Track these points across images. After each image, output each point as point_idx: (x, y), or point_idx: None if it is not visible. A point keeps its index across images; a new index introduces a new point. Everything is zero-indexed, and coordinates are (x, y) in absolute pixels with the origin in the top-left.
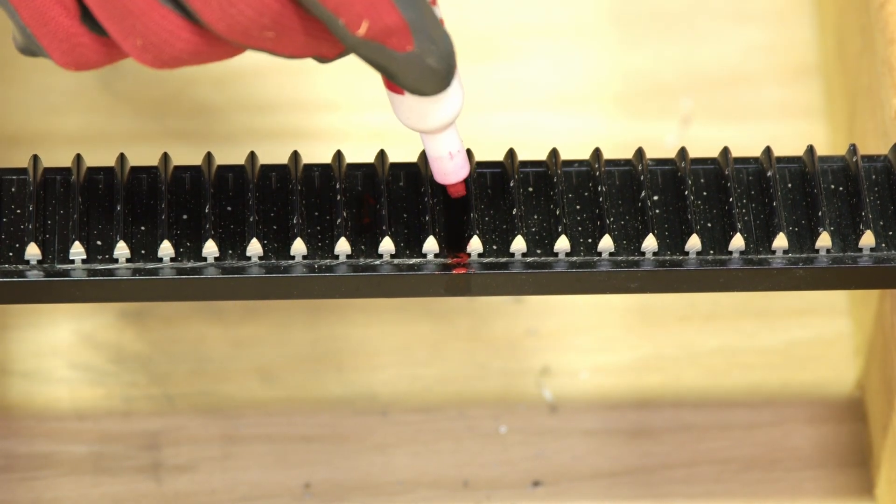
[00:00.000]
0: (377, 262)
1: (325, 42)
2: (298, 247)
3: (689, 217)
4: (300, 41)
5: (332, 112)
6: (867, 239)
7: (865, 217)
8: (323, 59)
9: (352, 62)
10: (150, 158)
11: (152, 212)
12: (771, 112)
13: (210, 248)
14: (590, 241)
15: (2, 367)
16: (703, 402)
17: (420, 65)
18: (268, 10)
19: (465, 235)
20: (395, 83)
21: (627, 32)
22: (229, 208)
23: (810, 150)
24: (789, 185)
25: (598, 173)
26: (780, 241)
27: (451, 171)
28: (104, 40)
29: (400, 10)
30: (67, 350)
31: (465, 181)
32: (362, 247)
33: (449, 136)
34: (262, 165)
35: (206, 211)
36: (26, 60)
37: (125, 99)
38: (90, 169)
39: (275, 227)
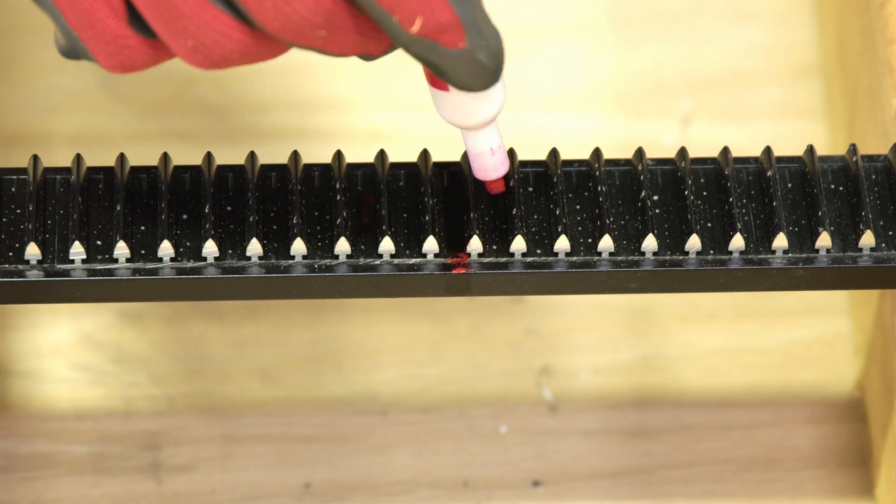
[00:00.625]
0: (377, 262)
1: (374, 40)
2: (298, 247)
3: (689, 217)
4: (351, 39)
5: (332, 112)
6: (867, 239)
7: (865, 217)
8: (369, 56)
9: (352, 62)
10: (150, 158)
11: (152, 212)
12: (771, 112)
13: (210, 248)
14: (590, 241)
15: (2, 367)
16: (703, 402)
17: (471, 61)
18: (321, 9)
19: (465, 235)
20: (443, 80)
21: (627, 32)
22: (229, 208)
23: (810, 149)
24: (789, 185)
25: (598, 173)
26: (780, 241)
27: (491, 167)
28: (151, 42)
29: (453, 7)
30: (67, 350)
31: (505, 177)
32: (362, 247)
33: (490, 132)
34: (262, 165)
35: (206, 211)
36: (26, 60)
37: (125, 99)
38: (90, 169)
39: (275, 227)
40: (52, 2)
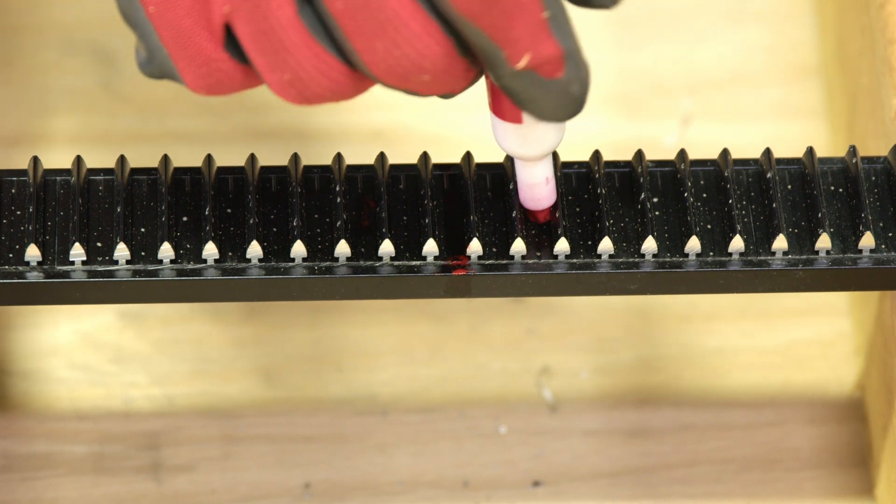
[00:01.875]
0: (377, 265)
1: (463, 80)
2: (298, 249)
3: (689, 219)
4: (446, 82)
5: (332, 112)
6: (867, 240)
7: (865, 218)
8: (450, 95)
9: None
10: (150, 159)
11: (152, 214)
12: (771, 112)
13: (210, 251)
14: (589, 243)
15: (2, 367)
16: (703, 402)
17: (564, 92)
18: (430, 53)
19: (464, 238)
20: (527, 109)
21: (627, 32)
22: (229, 210)
23: (810, 151)
24: (789, 187)
25: (597, 175)
26: (780, 243)
27: (544, 196)
28: (243, 68)
29: (558, 40)
30: (67, 350)
31: (551, 207)
32: (362, 249)
33: (548, 162)
34: (262, 167)
35: (206, 213)
36: (26, 60)
37: (125, 99)
38: (90, 170)
39: (274, 230)
40: (147, 19)
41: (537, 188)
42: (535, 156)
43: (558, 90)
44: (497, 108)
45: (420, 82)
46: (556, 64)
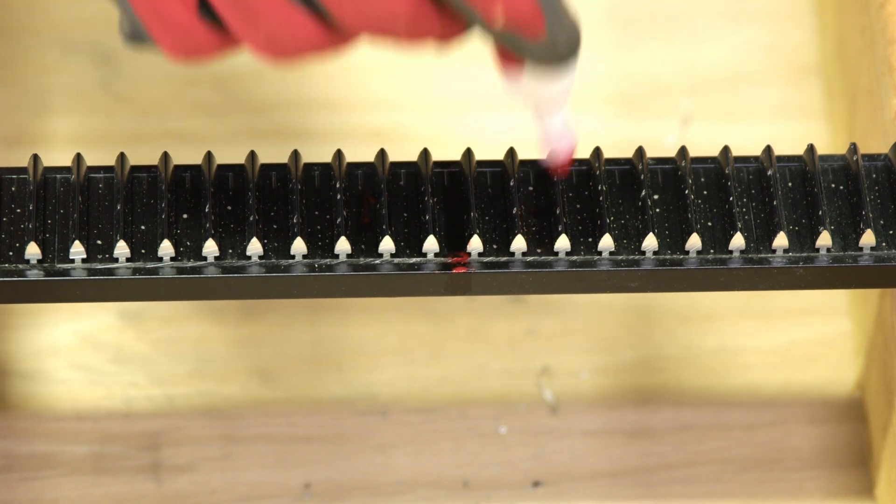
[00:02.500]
0: (377, 262)
1: (443, 27)
2: (298, 246)
3: (690, 216)
4: (424, 26)
5: (332, 112)
6: (867, 238)
7: (866, 216)
8: (443, 47)
9: (352, 62)
10: (150, 159)
11: (152, 211)
12: (771, 112)
13: (210, 248)
14: (590, 240)
15: (2, 367)
16: (703, 402)
17: (551, 51)
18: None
19: (465, 235)
20: (524, 58)
21: (627, 32)
22: (229, 208)
23: (811, 149)
24: (790, 184)
25: (598, 172)
26: (781, 241)
27: (565, 144)
28: (218, 33)
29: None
30: (67, 350)
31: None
32: (362, 246)
33: (563, 104)
34: (262, 165)
35: (207, 210)
36: (26, 60)
37: (125, 99)
38: (90, 168)
39: (275, 227)
40: None
41: (556, 133)
42: (550, 94)
43: (545, 50)
44: (499, 59)
45: (396, 27)
46: (534, 24)
